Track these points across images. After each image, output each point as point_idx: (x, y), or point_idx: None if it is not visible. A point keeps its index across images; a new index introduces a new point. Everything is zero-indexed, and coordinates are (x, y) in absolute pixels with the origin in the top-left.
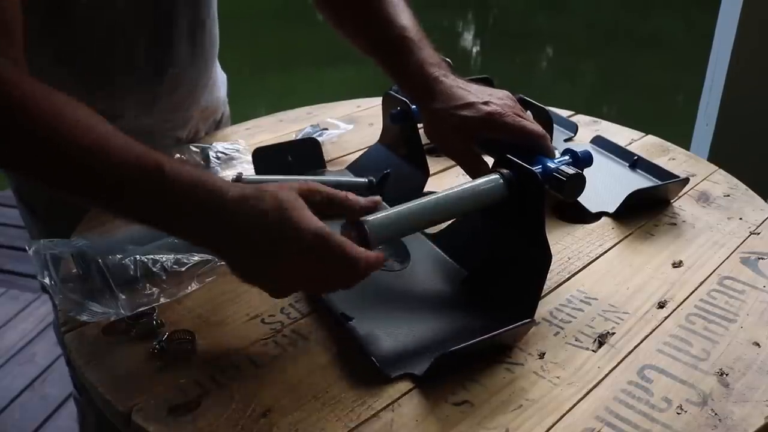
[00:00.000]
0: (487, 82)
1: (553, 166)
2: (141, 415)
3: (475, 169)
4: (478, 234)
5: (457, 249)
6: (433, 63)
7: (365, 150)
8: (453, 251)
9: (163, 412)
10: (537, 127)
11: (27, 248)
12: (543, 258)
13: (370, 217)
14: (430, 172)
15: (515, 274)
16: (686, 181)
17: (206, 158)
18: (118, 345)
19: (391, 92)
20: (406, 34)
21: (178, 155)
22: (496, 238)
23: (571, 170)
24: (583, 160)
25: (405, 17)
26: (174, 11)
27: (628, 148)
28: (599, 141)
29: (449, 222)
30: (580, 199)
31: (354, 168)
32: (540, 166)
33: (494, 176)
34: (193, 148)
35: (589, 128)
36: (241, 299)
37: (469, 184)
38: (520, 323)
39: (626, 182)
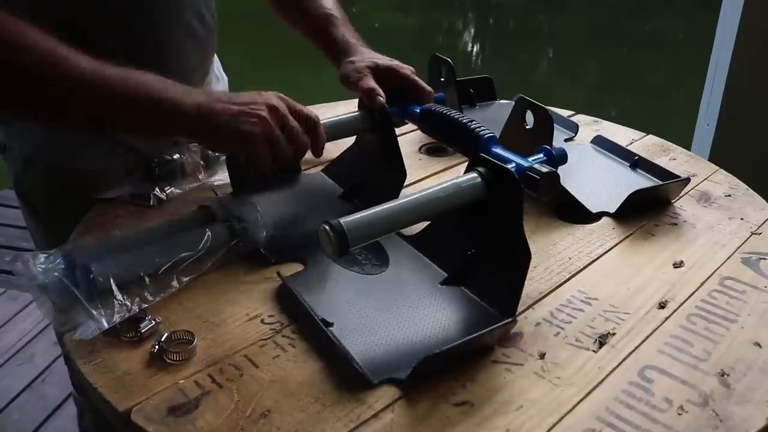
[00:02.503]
0: (487, 81)
1: (527, 165)
2: (140, 415)
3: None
4: (455, 235)
5: (435, 250)
6: (352, 35)
7: (340, 154)
8: (431, 253)
9: (163, 413)
10: (426, 86)
11: (11, 265)
12: (522, 256)
13: (348, 219)
14: (430, 173)
15: (495, 274)
16: (687, 181)
17: (206, 158)
18: (117, 345)
19: None
20: (332, 13)
21: (177, 155)
22: (474, 238)
23: (544, 168)
24: (558, 158)
25: (329, 2)
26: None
27: (628, 148)
28: (600, 141)
29: (426, 224)
30: (581, 198)
31: (329, 172)
32: (513, 164)
33: (472, 175)
34: (193, 148)
35: (589, 128)
36: (241, 299)
37: (448, 183)
38: (499, 324)
39: (627, 182)
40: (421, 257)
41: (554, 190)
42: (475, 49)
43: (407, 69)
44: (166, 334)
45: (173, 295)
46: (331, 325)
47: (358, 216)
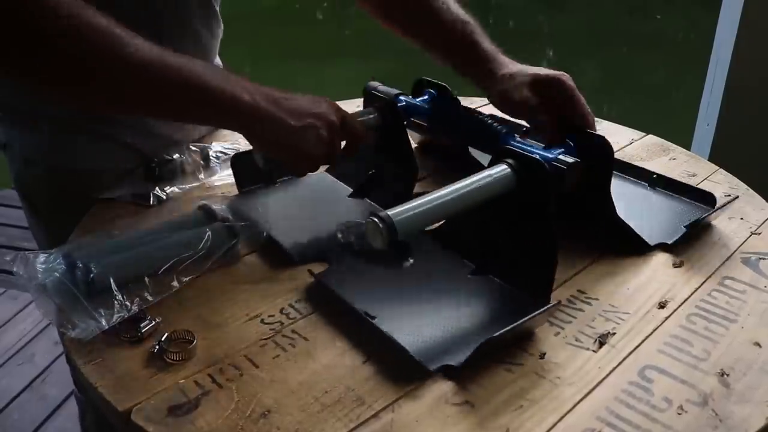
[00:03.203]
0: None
1: (551, 156)
2: (140, 415)
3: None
4: (478, 226)
5: (458, 242)
6: (492, 47)
7: None
8: (454, 244)
9: (163, 413)
10: (586, 108)
11: (11, 265)
12: (553, 244)
13: (394, 211)
14: (430, 171)
15: (525, 263)
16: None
17: (206, 158)
18: (117, 345)
19: (373, 91)
20: (470, 21)
21: (177, 155)
22: (499, 228)
23: (570, 159)
24: (581, 147)
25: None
26: None
27: (627, 148)
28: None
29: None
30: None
31: (334, 172)
32: (538, 156)
33: (503, 167)
34: (193, 148)
35: None
36: (241, 299)
37: (481, 175)
38: (548, 306)
39: (663, 207)
40: (445, 250)
41: (578, 180)
42: None
43: (570, 81)
44: (166, 334)
45: (173, 295)
46: (374, 317)
47: (404, 208)
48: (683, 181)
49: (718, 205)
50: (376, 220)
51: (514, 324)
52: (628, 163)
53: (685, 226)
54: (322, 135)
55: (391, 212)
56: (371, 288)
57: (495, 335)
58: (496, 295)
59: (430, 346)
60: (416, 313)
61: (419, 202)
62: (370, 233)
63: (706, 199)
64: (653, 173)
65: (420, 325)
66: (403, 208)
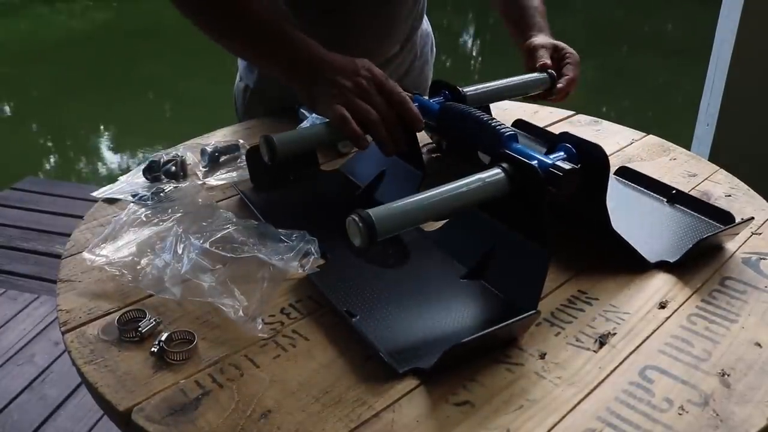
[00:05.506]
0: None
1: (549, 162)
2: (141, 415)
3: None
4: (474, 231)
5: (454, 246)
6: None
7: (358, 151)
8: (451, 249)
9: (163, 413)
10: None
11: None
12: (544, 251)
13: (377, 210)
14: (431, 172)
15: (516, 269)
16: (750, 220)
17: (206, 157)
18: (118, 345)
19: None
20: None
21: (177, 154)
22: (493, 234)
23: (566, 165)
24: (577, 156)
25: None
26: None
27: (628, 148)
28: (624, 172)
29: (445, 221)
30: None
31: (348, 168)
32: (536, 161)
33: (496, 170)
34: (192, 146)
35: (589, 128)
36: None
37: (473, 178)
38: (526, 315)
39: (675, 225)
40: (441, 253)
41: (575, 187)
42: (475, 48)
43: (577, 58)
44: (166, 334)
45: (173, 295)
46: (354, 316)
47: (387, 207)
48: (702, 199)
49: (730, 225)
50: (356, 218)
51: (485, 331)
52: (649, 177)
53: (692, 245)
54: (343, 85)
55: (373, 211)
56: (361, 287)
57: (463, 341)
58: (484, 301)
59: (406, 347)
60: (401, 314)
61: (404, 202)
62: (350, 231)
63: (724, 218)
64: (672, 188)
65: (401, 326)
66: (386, 207)
